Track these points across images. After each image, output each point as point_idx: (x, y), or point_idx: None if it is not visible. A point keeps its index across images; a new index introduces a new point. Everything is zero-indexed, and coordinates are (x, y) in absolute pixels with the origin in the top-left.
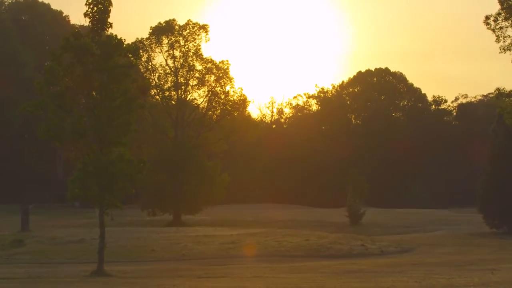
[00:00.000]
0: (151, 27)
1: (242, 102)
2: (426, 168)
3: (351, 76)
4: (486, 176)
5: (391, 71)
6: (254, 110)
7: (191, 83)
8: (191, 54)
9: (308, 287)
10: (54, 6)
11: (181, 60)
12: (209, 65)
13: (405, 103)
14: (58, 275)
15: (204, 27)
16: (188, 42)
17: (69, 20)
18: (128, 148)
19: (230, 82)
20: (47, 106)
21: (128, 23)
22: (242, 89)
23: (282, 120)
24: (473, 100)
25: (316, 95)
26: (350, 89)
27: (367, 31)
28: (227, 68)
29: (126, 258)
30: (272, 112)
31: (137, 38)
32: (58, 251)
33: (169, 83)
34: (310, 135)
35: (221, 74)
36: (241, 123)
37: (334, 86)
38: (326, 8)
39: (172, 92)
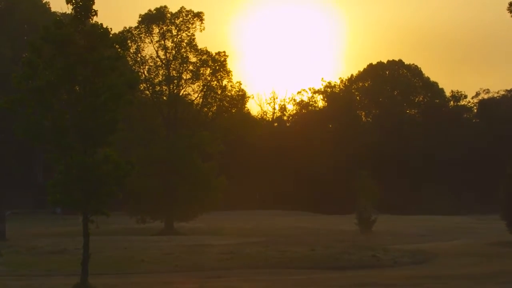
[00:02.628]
0: (140, 15)
1: (241, 98)
2: (443, 170)
3: (361, 69)
4: (509, 179)
5: (405, 63)
6: (254, 107)
7: (184, 77)
8: (185, 44)
9: None
10: None
11: (174, 52)
12: (204, 57)
13: (421, 99)
14: None
15: (198, 15)
16: (181, 32)
17: (50, 8)
18: (114, 149)
19: (228, 75)
20: (25, 102)
21: (115, 11)
22: (240, 84)
23: (285, 118)
24: (495, 95)
25: (323, 90)
26: (360, 84)
27: (378, 19)
28: (224, 61)
29: (113, 270)
30: (274, 109)
31: (125, 27)
32: (38, 262)
33: (160, 77)
34: (316, 134)
35: (217, 67)
36: (240, 121)
37: (342, 80)
38: None
39: (164, 87)
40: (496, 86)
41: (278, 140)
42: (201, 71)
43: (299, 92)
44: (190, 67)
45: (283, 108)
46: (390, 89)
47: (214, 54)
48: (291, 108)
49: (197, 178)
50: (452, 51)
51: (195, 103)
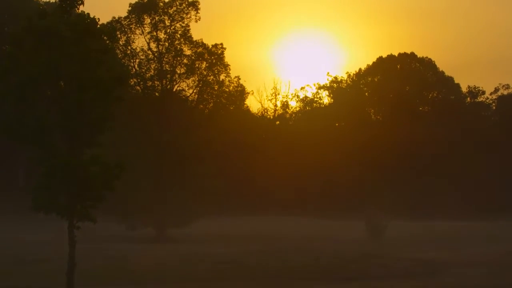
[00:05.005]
0: (130, 4)
1: (240, 94)
2: (460, 172)
3: (370, 63)
4: None
5: (418, 56)
6: (254, 104)
7: (178, 71)
8: (178, 36)
9: None
10: None
11: (166, 44)
12: (200, 49)
13: (435, 95)
14: None
15: (193, 4)
16: (175, 22)
17: None
18: (103, 149)
19: (225, 70)
20: (5, 98)
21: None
22: (239, 79)
23: (288, 116)
24: None
25: (328, 85)
26: (369, 79)
27: (388, 8)
28: (222, 53)
29: (101, 281)
30: (276, 105)
31: (114, 18)
32: (19, 272)
33: (152, 71)
34: (321, 133)
35: (214, 61)
36: (239, 118)
37: (349, 74)
38: None
39: (156, 82)
40: None
41: (279, 140)
42: (197, 65)
43: (302, 88)
44: (185, 61)
45: (285, 105)
46: (402, 84)
47: (210, 47)
48: (294, 105)
49: (192, 181)
50: (469, 43)
51: (189, 99)
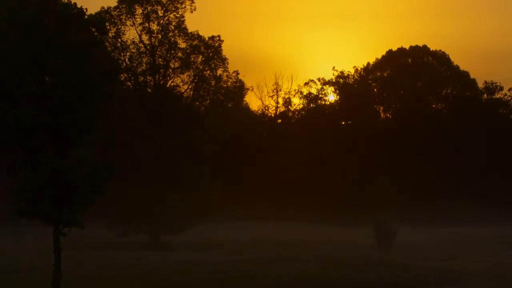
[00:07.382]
0: None
1: (238, 90)
2: (476, 174)
3: (379, 57)
4: None
5: (431, 49)
6: (254, 100)
7: (172, 66)
8: (172, 28)
9: None
10: None
11: (159, 36)
12: (196, 42)
13: (449, 91)
14: None
15: None
16: (169, 13)
17: None
18: (91, 150)
19: (223, 64)
20: None
21: None
22: (238, 73)
23: (290, 114)
24: None
25: (334, 81)
26: (378, 73)
27: None
28: (219, 46)
29: None
30: (277, 103)
31: (103, 8)
32: (1, 282)
33: (144, 66)
34: (326, 132)
35: (210, 54)
36: (237, 117)
37: (357, 69)
38: None
39: (148, 77)
40: None
41: (281, 139)
42: (192, 59)
43: (306, 84)
44: (179, 54)
45: (287, 102)
46: (413, 79)
47: (207, 39)
48: (297, 102)
49: (187, 184)
50: (486, 36)
51: (184, 96)
